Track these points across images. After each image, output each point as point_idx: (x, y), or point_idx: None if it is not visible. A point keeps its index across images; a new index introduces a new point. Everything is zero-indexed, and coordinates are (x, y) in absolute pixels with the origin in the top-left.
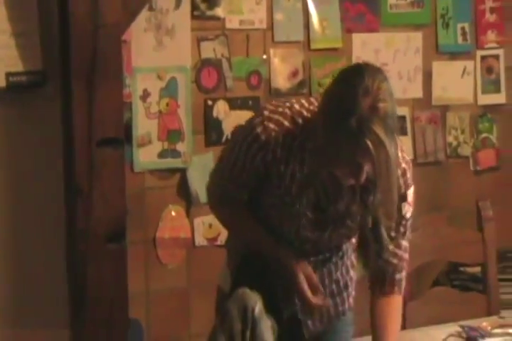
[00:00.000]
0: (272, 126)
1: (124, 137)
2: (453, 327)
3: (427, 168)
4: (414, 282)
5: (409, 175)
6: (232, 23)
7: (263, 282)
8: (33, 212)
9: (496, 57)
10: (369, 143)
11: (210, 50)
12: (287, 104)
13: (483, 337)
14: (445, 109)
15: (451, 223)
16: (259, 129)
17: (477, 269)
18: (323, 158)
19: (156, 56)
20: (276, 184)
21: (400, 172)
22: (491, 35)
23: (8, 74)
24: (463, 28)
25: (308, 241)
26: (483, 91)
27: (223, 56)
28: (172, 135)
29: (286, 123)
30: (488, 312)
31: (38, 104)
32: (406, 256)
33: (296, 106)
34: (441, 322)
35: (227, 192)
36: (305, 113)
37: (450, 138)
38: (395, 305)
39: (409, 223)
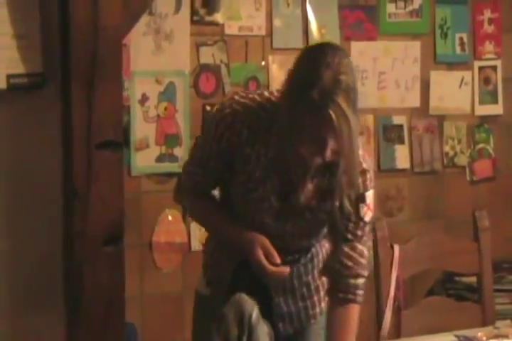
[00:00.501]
0: (239, 108)
1: (123, 140)
2: (448, 337)
3: (423, 177)
4: (409, 291)
5: (369, 176)
6: (231, 28)
7: (259, 287)
8: (30, 214)
9: (494, 68)
10: (332, 113)
11: (209, 55)
12: (258, 92)
13: None
14: (442, 118)
15: (447, 232)
16: (226, 111)
17: (472, 279)
18: (288, 136)
19: (155, 60)
20: (240, 169)
21: (359, 169)
22: (488, 46)
23: (9, 76)
24: (461, 39)
25: (272, 235)
26: (481, 102)
27: (222, 62)
28: (170, 139)
29: (254, 106)
30: (484, 323)
31: (37, 105)
32: (362, 261)
33: (266, 94)
34: (436, 331)
35: (196, 182)
36: (273, 99)
37: (447, 148)
38: (350, 315)
39: (367, 228)
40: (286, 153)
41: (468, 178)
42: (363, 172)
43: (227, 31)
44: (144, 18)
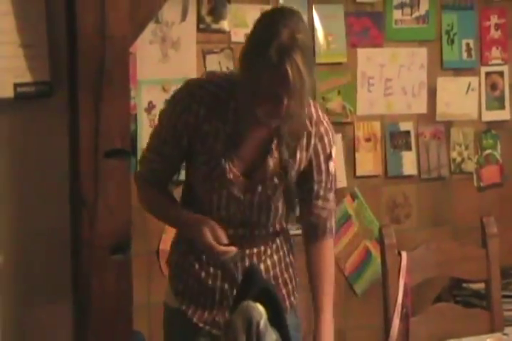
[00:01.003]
0: (195, 89)
1: (130, 148)
2: None
3: (430, 183)
4: (416, 298)
5: (331, 135)
6: (238, 36)
7: (267, 295)
8: (38, 223)
9: (501, 73)
10: (288, 69)
11: (215, 63)
12: (213, 73)
13: None
14: (449, 124)
15: (454, 239)
16: (183, 93)
17: (480, 285)
18: (246, 97)
19: (161, 68)
20: (201, 149)
21: (322, 130)
22: (495, 52)
23: (16, 85)
24: (468, 44)
25: (241, 212)
26: (488, 108)
27: (228, 69)
28: None
29: (210, 86)
30: (492, 329)
31: (45, 114)
32: (333, 205)
33: (221, 74)
34: (444, 338)
35: (153, 170)
36: (230, 77)
37: (454, 154)
38: (327, 249)
39: (334, 178)
40: (244, 121)
41: (475, 184)
42: (327, 131)
43: (234, 38)
44: (150, 27)
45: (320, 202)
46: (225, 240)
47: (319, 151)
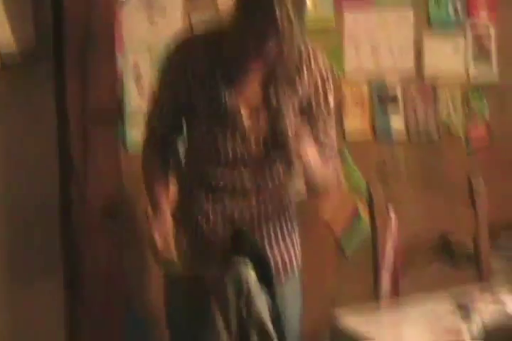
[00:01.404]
0: (186, 47)
1: (118, 113)
2: (444, 295)
3: (419, 145)
4: (406, 255)
5: (329, 71)
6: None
7: (256, 256)
8: (28, 191)
9: (488, 34)
10: (277, 10)
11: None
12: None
13: (473, 302)
14: (437, 86)
15: (444, 200)
16: (175, 53)
17: (469, 243)
18: (237, 36)
19: (148, 35)
20: (200, 95)
21: (321, 61)
22: (482, 12)
23: (1, 54)
24: (454, 5)
25: (245, 155)
26: (475, 68)
27: None
28: None
29: (198, 40)
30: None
31: (31, 83)
32: (335, 144)
33: (207, 28)
34: (432, 291)
35: (154, 132)
36: (216, 28)
37: (442, 116)
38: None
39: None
40: (238, 64)
41: (464, 145)
42: (326, 66)
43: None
44: None
45: (321, 136)
46: (171, 247)
47: (319, 83)
